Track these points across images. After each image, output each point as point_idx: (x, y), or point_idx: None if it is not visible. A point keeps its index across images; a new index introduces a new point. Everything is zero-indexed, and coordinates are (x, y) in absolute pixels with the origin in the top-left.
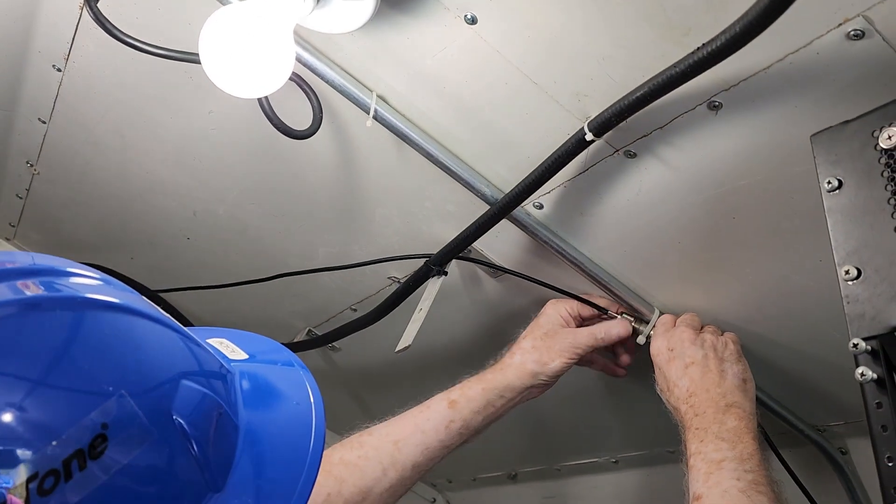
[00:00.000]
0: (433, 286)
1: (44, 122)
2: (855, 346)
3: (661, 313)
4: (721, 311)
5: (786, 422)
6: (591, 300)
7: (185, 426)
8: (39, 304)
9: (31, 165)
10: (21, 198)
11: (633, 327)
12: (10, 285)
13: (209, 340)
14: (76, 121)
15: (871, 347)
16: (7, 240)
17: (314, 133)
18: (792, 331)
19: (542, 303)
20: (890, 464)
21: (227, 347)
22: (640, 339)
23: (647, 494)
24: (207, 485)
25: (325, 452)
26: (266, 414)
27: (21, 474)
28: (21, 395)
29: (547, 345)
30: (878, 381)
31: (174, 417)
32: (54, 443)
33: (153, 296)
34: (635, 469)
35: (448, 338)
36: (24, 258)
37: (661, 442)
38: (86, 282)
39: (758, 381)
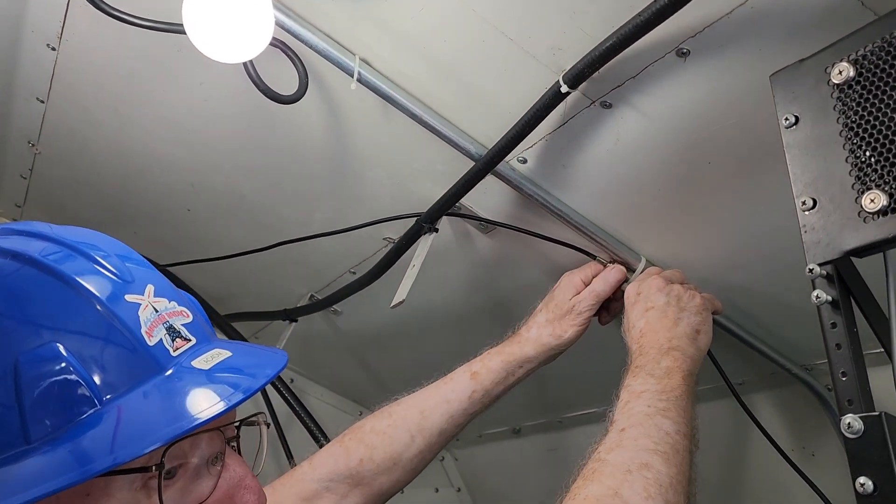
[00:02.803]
0: (425, 243)
1: (42, 102)
2: (811, 270)
3: (648, 262)
4: (704, 257)
5: (774, 362)
6: (578, 247)
7: (22, 375)
8: None
9: (33, 145)
10: (25, 178)
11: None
12: None
13: (216, 350)
14: (73, 99)
15: (826, 272)
16: (14, 220)
17: (300, 98)
18: (773, 272)
19: (533, 255)
20: (844, 378)
21: (216, 356)
22: (625, 287)
23: None
24: (22, 433)
25: (357, 423)
26: (152, 409)
27: None
28: None
29: (559, 317)
30: (833, 303)
31: (17, 363)
32: None
33: (162, 271)
34: None
35: (444, 295)
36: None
37: None
38: (43, 245)
39: (744, 325)
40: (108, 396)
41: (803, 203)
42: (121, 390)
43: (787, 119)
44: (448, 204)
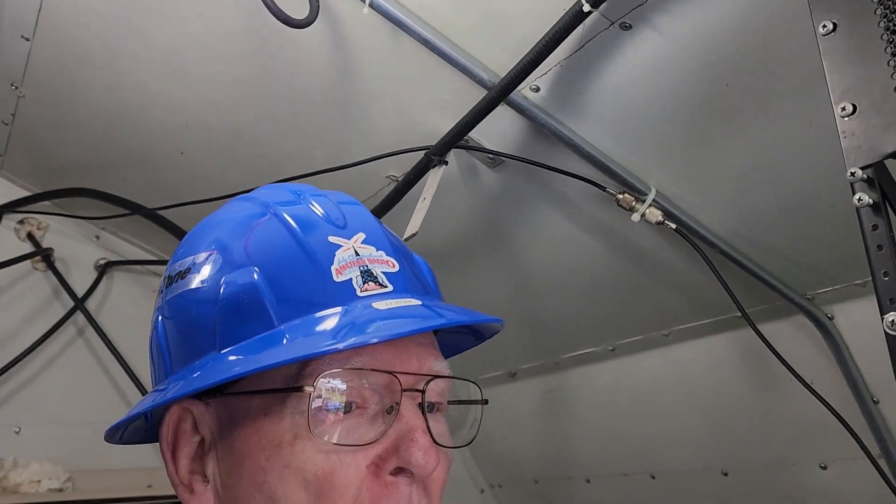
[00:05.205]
0: (434, 176)
1: (27, 40)
2: (852, 174)
3: (658, 192)
4: (713, 186)
5: (778, 292)
6: (588, 179)
7: (224, 291)
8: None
9: (16, 88)
10: (7, 124)
11: (631, 206)
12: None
13: (408, 298)
14: (61, 36)
15: (867, 176)
16: None
17: (313, 21)
18: (782, 201)
19: (540, 189)
20: (886, 277)
21: (404, 302)
22: (635, 217)
23: (643, 378)
24: (215, 340)
25: None
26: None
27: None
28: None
29: None
30: (874, 206)
31: (224, 281)
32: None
33: (152, 214)
34: (631, 355)
35: (448, 232)
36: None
37: (655, 326)
38: (285, 195)
39: (750, 255)
40: (286, 317)
41: (843, 109)
42: (300, 314)
43: (824, 26)
44: (459, 135)
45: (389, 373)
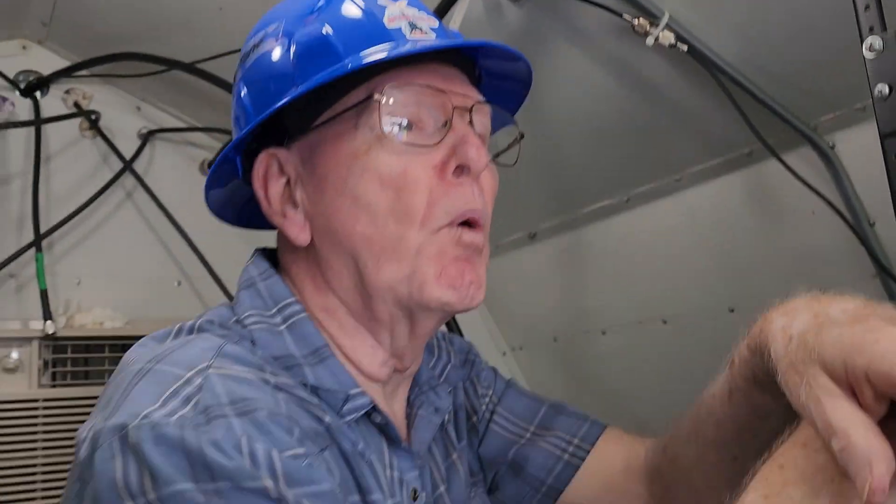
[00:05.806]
0: (461, 6)
1: None
2: None
3: (671, 17)
4: (725, 10)
5: (785, 121)
6: (605, 6)
7: (296, 46)
8: None
9: None
10: None
11: (647, 31)
12: None
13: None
14: None
15: None
16: (39, 42)
17: None
18: (789, 25)
19: (561, 25)
20: (866, 10)
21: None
22: (649, 41)
23: (657, 226)
24: (293, 76)
25: None
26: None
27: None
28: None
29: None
30: None
31: (294, 38)
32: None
33: (190, 68)
34: (645, 205)
35: None
36: None
37: (668, 171)
38: None
39: (758, 83)
40: (349, 53)
41: None
42: (360, 49)
43: None
44: None
45: (441, 90)
